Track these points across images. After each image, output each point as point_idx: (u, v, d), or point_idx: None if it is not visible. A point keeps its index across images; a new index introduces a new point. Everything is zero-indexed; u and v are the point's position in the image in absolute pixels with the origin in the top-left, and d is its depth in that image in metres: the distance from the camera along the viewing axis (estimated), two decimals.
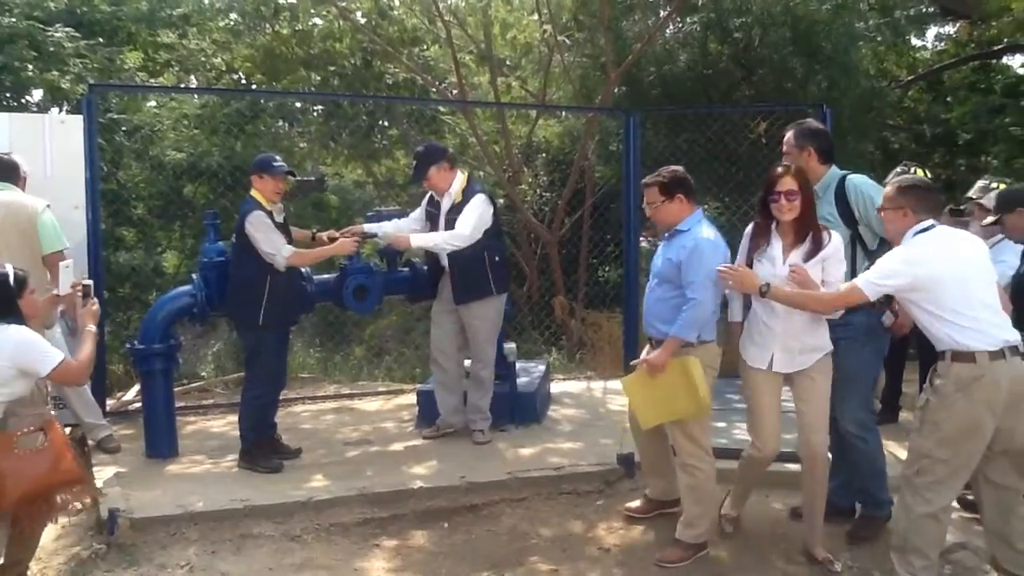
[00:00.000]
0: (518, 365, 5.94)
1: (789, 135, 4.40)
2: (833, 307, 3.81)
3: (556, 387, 6.57)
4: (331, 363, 8.90)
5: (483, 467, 5.02)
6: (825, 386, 4.02)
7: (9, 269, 3.51)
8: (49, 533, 4.23)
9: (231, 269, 5.05)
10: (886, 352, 4.46)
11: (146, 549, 4.11)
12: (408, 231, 5.41)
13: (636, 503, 4.64)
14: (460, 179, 5.37)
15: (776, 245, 3.96)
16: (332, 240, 5.35)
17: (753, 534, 4.35)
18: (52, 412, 3.73)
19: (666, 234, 4.20)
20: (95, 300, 3.96)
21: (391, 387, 7.25)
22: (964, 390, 3.45)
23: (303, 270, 5.23)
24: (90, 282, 4.05)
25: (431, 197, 5.47)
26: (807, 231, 3.91)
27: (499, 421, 5.67)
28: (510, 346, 5.79)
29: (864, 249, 4.23)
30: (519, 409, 5.79)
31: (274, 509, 4.42)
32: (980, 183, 5.80)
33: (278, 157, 5.07)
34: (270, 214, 4.88)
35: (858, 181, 4.24)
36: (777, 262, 3.94)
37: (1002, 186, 5.58)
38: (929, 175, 5.64)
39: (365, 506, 4.54)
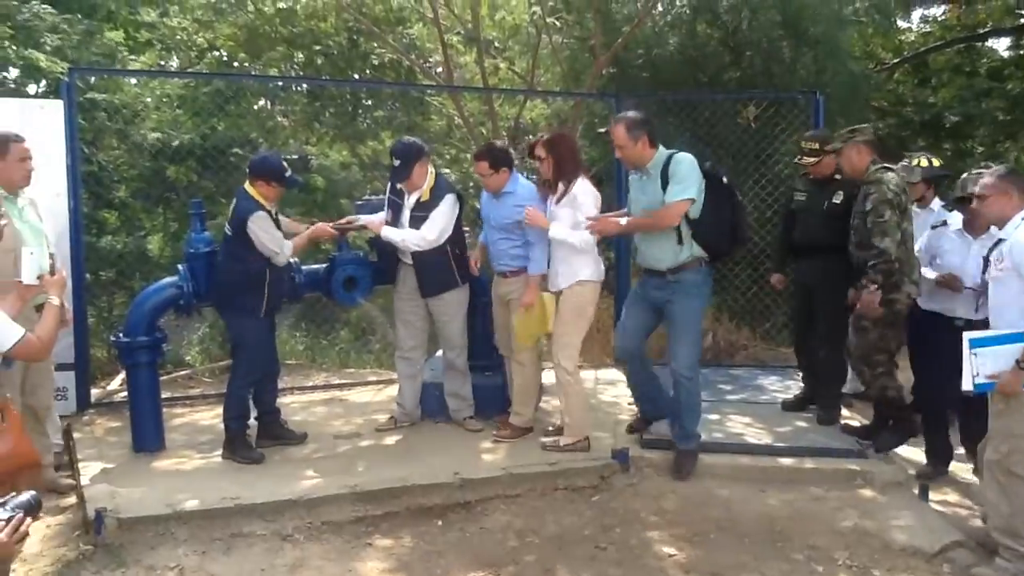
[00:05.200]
0: None
1: (620, 129, 4.77)
2: None
3: (547, 376, 6.48)
4: (317, 347, 8.82)
5: (477, 463, 4.97)
6: None
7: None
8: (34, 534, 4.16)
9: (227, 260, 4.99)
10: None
11: (134, 550, 4.01)
12: (381, 220, 5.41)
13: None
14: (430, 176, 5.29)
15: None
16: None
17: (750, 532, 4.32)
18: (7, 395, 3.62)
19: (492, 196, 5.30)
20: (62, 270, 3.84)
21: (381, 376, 7.17)
22: None
23: (291, 260, 5.19)
24: (54, 251, 3.94)
25: (394, 185, 5.36)
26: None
27: (492, 413, 5.63)
28: None
29: (686, 219, 4.72)
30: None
31: (265, 507, 4.33)
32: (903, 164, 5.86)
33: (286, 163, 5.00)
34: (270, 212, 4.87)
35: (681, 156, 4.75)
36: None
37: (924, 162, 5.68)
38: (937, 162, 5.64)
39: (358, 504, 4.46)
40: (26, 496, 2.69)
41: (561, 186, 5.08)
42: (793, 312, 6.18)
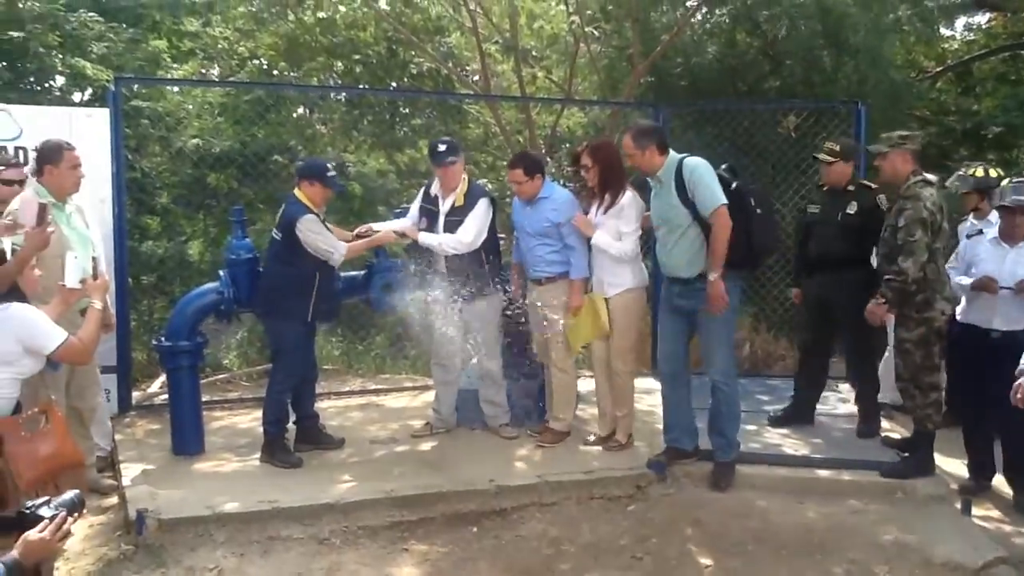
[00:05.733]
0: None
1: (627, 139, 4.81)
2: None
3: (583, 385, 6.47)
4: (353, 353, 8.86)
5: (512, 470, 4.98)
6: None
7: (7, 244, 3.46)
8: (77, 533, 4.23)
9: (274, 264, 5.06)
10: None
11: (174, 551, 4.07)
12: (413, 225, 5.44)
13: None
14: (464, 181, 5.36)
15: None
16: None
17: (788, 544, 4.28)
18: (52, 397, 3.68)
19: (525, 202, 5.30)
20: (104, 274, 3.91)
21: (416, 382, 7.21)
22: None
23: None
24: (98, 255, 4.01)
25: (427, 193, 5.45)
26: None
27: (529, 422, 5.64)
28: None
29: (701, 226, 4.65)
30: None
31: (302, 511, 4.38)
32: (959, 173, 5.78)
33: (331, 165, 5.07)
34: (318, 215, 4.94)
35: (693, 163, 4.70)
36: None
37: (979, 172, 5.66)
38: (994, 173, 5.57)
39: (393, 509, 4.49)
40: (69, 495, 2.73)
41: (608, 197, 5.14)
42: (803, 325, 5.97)
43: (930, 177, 4.89)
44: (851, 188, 5.45)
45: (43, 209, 3.75)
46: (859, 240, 5.27)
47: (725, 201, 4.62)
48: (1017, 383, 3.76)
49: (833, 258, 5.39)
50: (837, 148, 5.45)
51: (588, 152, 5.25)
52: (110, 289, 5.15)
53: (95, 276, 3.82)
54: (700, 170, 4.67)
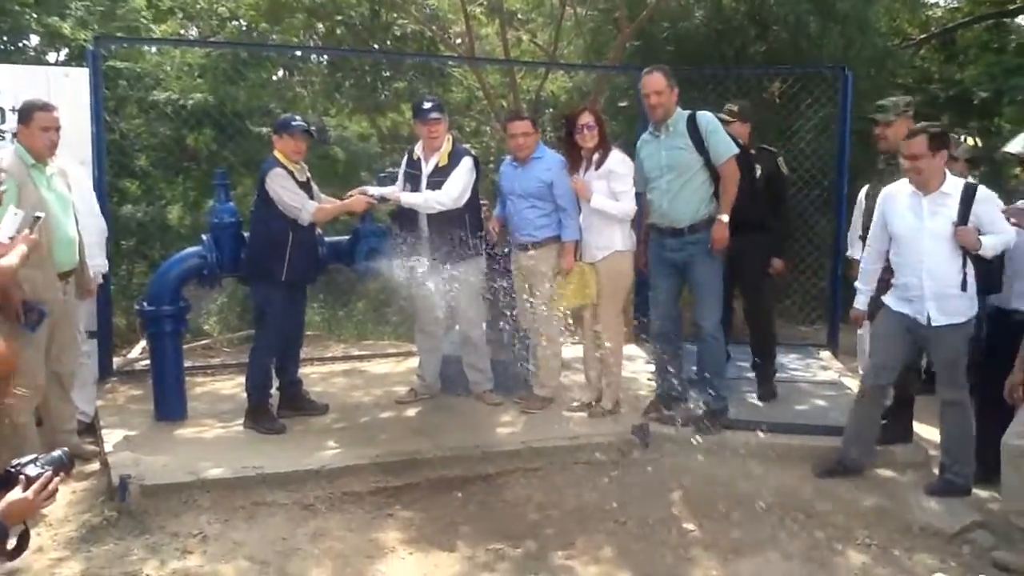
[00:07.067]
0: None
1: (660, 77, 4.89)
2: None
3: (568, 351, 6.48)
4: (334, 319, 8.84)
5: (497, 435, 4.99)
6: None
7: None
8: (60, 499, 4.20)
9: (254, 224, 5.03)
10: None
11: (158, 517, 4.05)
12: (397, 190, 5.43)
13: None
14: (447, 142, 5.32)
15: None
16: None
17: (770, 509, 4.32)
18: None
19: (516, 164, 5.32)
20: (36, 235, 3.91)
21: (400, 348, 7.20)
22: None
23: (317, 231, 5.17)
24: (41, 215, 4.03)
25: (410, 157, 5.42)
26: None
27: (514, 388, 5.63)
28: None
29: (711, 170, 4.89)
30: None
31: (287, 477, 4.36)
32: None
33: (298, 117, 5.03)
34: (291, 173, 4.88)
35: (708, 115, 4.97)
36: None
37: (971, 142, 5.82)
38: (979, 143, 5.62)
39: (378, 475, 4.49)
40: (57, 453, 2.69)
41: (597, 157, 5.15)
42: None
43: None
44: (753, 152, 5.53)
45: None
46: (764, 203, 5.40)
47: (737, 151, 4.89)
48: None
49: (739, 222, 5.26)
50: (736, 109, 5.59)
51: (593, 112, 5.27)
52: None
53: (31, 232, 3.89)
54: (715, 122, 4.94)
